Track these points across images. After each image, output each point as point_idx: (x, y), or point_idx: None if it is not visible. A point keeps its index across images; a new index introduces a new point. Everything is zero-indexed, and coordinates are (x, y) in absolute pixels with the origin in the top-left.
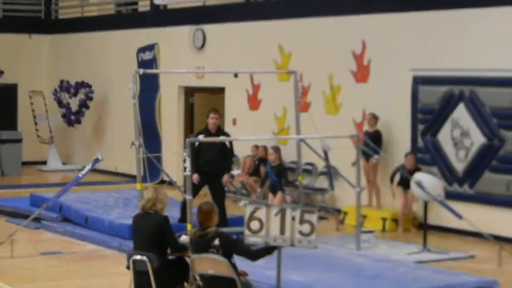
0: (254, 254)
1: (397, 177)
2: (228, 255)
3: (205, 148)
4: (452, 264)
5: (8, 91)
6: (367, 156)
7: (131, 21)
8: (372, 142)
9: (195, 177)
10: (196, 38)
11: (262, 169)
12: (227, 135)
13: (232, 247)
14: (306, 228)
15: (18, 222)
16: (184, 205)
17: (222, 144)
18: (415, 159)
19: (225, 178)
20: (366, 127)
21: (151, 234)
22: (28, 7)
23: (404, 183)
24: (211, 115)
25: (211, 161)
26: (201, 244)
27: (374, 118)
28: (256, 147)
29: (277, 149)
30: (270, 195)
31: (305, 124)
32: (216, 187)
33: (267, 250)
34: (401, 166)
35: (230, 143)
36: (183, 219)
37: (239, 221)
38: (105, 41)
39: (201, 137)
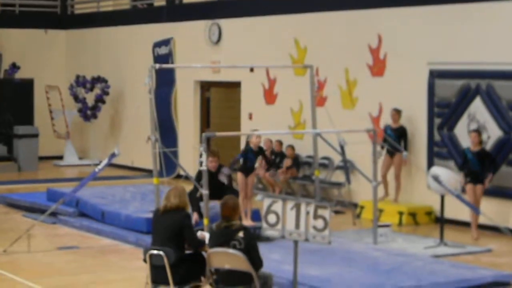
0: (260, 262)
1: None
2: (248, 249)
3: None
4: (469, 258)
5: (25, 86)
6: (391, 153)
7: (147, 16)
8: (397, 137)
9: (195, 217)
10: (212, 32)
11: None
12: (226, 170)
13: (253, 243)
14: (319, 223)
15: (35, 217)
16: (190, 196)
17: (222, 183)
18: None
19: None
20: (389, 122)
21: (170, 229)
22: (44, 2)
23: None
24: (210, 158)
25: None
26: (225, 235)
27: (398, 113)
28: (270, 140)
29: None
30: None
31: (321, 118)
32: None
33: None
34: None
35: (230, 180)
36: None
37: (255, 214)
38: (121, 36)
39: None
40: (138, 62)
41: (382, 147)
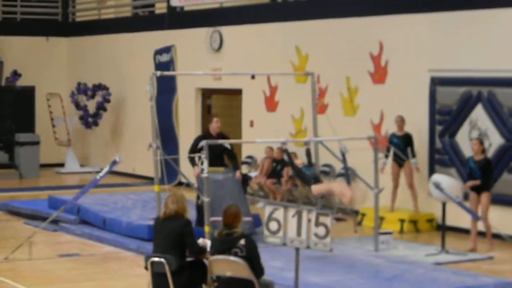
0: (262, 269)
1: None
2: (249, 257)
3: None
4: (471, 265)
5: (26, 94)
6: (399, 162)
7: (148, 23)
8: (404, 145)
9: (197, 171)
10: (213, 40)
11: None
12: (228, 137)
13: (254, 251)
14: (321, 230)
15: (37, 224)
16: (199, 209)
17: (225, 147)
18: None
19: (238, 174)
20: (394, 130)
21: (172, 236)
22: (46, 10)
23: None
24: (216, 119)
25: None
26: (227, 243)
27: (402, 121)
28: (271, 148)
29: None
30: None
31: (322, 125)
32: None
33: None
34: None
35: (231, 145)
36: (200, 222)
37: (256, 220)
38: (122, 43)
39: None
40: (139, 69)
41: (386, 156)
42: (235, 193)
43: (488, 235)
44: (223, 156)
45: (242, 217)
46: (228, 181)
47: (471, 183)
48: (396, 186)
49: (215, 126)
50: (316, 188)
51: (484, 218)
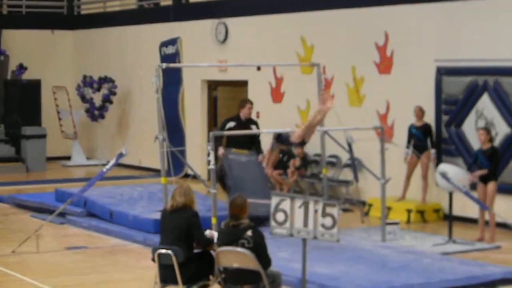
0: (269, 260)
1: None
2: (256, 248)
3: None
4: (478, 255)
5: (32, 87)
6: (418, 153)
7: (154, 16)
8: (423, 135)
9: (221, 151)
10: (218, 31)
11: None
12: (257, 123)
13: (261, 243)
14: (328, 221)
15: (44, 217)
16: (221, 178)
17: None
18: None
19: (260, 158)
20: (411, 121)
21: (179, 228)
22: (51, 3)
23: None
24: (249, 105)
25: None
26: (233, 234)
27: (421, 111)
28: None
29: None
30: None
31: (328, 116)
32: None
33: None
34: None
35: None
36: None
37: None
38: (128, 36)
39: (231, 124)
40: (145, 62)
41: (408, 147)
42: (257, 175)
43: (492, 225)
44: (248, 140)
45: (260, 201)
46: (251, 163)
47: (478, 172)
48: (409, 175)
49: (247, 112)
50: (295, 135)
51: (490, 207)
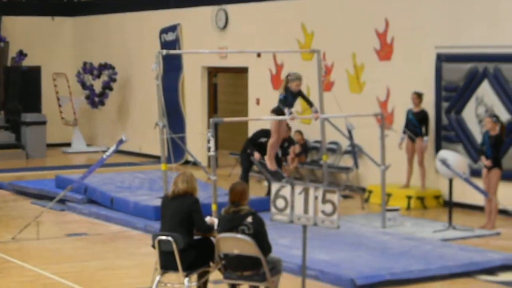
0: (269, 247)
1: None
2: (257, 234)
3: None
4: (478, 241)
5: (32, 74)
6: (413, 138)
7: (154, 2)
8: (418, 121)
9: (257, 155)
10: (218, 18)
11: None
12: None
13: (262, 229)
14: (328, 207)
15: (44, 204)
16: (250, 141)
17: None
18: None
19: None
20: (410, 107)
21: (179, 214)
22: None
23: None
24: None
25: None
26: (234, 220)
27: (419, 96)
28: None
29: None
30: None
31: (328, 103)
32: None
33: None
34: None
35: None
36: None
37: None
38: (128, 22)
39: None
40: (145, 48)
41: (404, 132)
42: None
43: (493, 212)
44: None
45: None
46: None
47: (484, 161)
48: (410, 161)
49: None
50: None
51: (489, 194)
